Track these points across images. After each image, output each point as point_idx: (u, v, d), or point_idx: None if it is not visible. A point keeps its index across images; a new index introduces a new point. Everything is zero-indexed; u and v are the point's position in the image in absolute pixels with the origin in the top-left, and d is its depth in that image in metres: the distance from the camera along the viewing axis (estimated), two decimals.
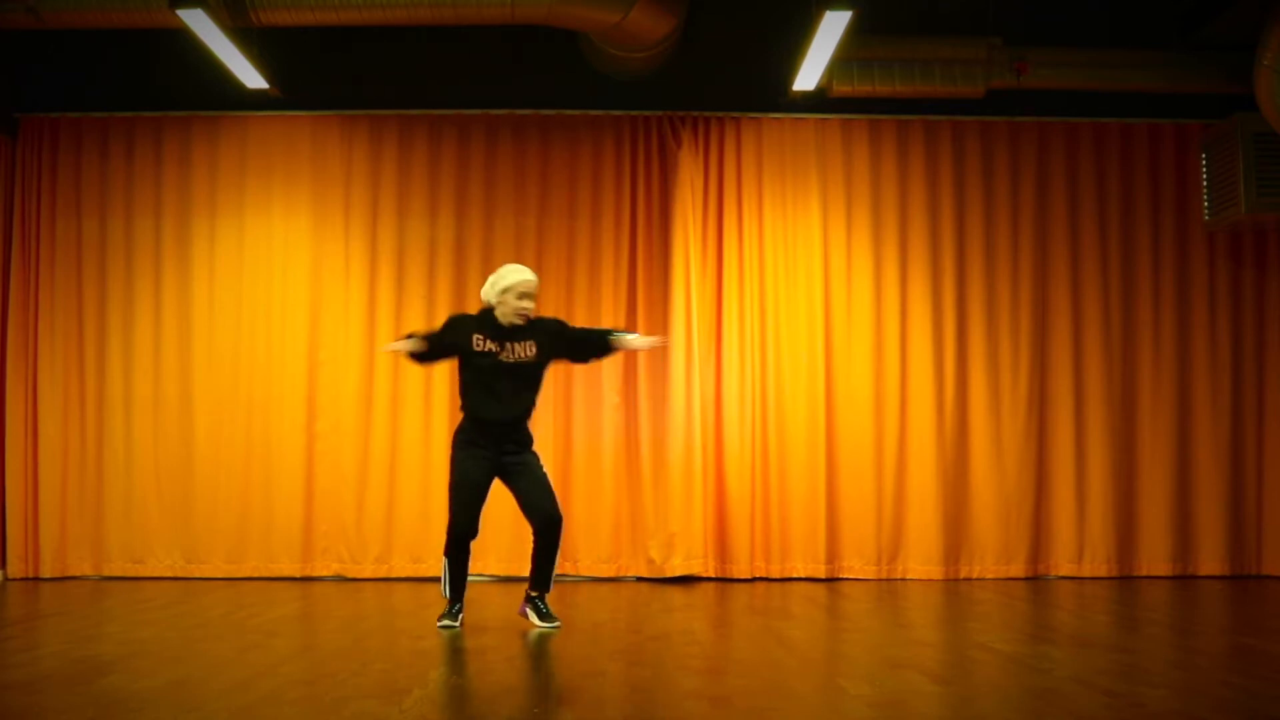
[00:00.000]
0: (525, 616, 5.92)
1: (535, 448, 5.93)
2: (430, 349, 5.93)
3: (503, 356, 5.78)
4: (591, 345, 6.07)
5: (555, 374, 8.10)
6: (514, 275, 5.84)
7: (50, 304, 8.13)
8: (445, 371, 8.06)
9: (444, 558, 5.91)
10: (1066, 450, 8.20)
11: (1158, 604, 6.99)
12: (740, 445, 8.06)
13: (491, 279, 5.88)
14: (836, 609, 6.76)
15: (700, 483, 7.99)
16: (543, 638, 5.62)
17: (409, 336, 6.01)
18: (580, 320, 8.11)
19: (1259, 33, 7.16)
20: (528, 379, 5.85)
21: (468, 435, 5.84)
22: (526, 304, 5.81)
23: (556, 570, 7.85)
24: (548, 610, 5.87)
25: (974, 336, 8.23)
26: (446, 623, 5.83)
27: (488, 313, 5.86)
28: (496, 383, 5.78)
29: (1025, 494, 8.16)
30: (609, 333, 6.09)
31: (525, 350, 5.82)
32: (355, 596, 7.22)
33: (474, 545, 8.16)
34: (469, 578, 5.97)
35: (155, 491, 8.03)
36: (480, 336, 5.80)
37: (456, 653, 5.25)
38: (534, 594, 5.89)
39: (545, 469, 5.90)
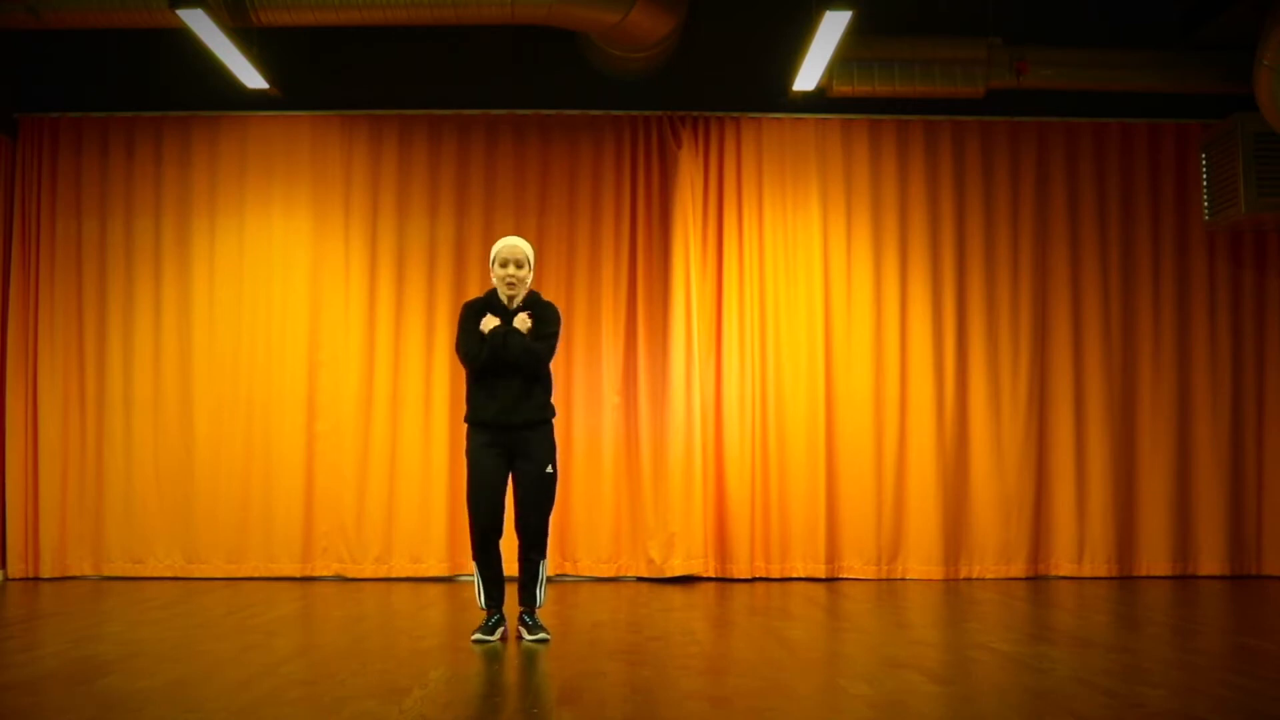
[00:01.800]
0: (519, 636, 5.50)
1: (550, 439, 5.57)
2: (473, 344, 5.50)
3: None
4: (539, 346, 5.54)
5: (555, 374, 8.12)
6: (497, 244, 5.57)
7: (50, 304, 8.13)
8: (444, 371, 8.08)
9: (473, 564, 5.53)
10: (1066, 450, 8.20)
11: (1158, 604, 6.99)
12: (740, 445, 8.06)
13: None
14: (836, 609, 6.76)
15: (700, 483, 7.99)
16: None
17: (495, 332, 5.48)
18: (580, 321, 8.12)
19: (1259, 33, 7.16)
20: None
21: (473, 435, 5.51)
22: (511, 270, 5.46)
23: (556, 571, 7.97)
24: (535, 623, 5.50)
25: (974, 336, 8.24)
26: (479, 637, 5.40)
27: (492, 293, 5.61)
28: (499, 380, 5.42)
29: (1025, 494, 8.16)
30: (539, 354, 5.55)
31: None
32: (355, 596, 7.22)
33: None
34: (505, 581, 5.57)
35: (155, 491, 8.03)
36: (492, 318, 5.49)
37: (456, 653, 5.24)
38: (521, 609, 5.53)
39: (554, 468, 5.53)
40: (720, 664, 5.09)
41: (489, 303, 5.58)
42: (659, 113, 8.28)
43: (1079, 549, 8.16)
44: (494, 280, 5.57)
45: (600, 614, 6.44)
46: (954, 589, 7.62)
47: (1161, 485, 8.21)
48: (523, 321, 5.48)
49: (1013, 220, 8.33)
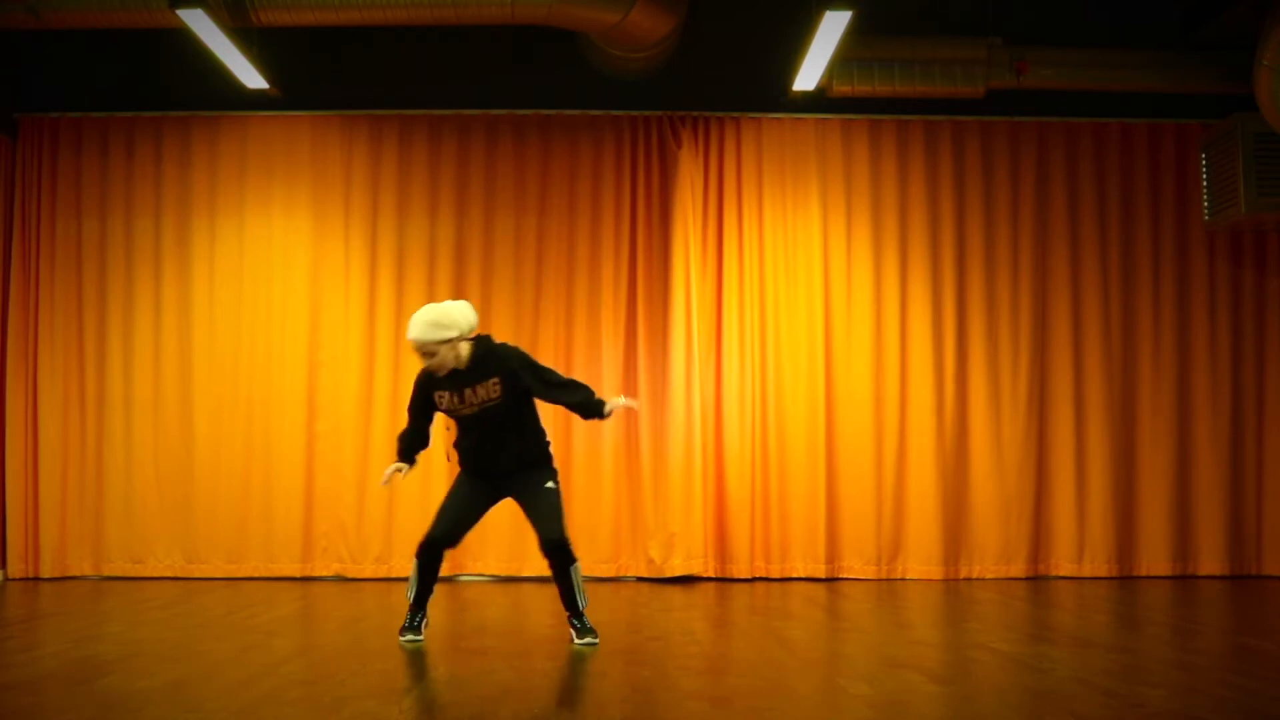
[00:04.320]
0: (571, 639, 5.43)
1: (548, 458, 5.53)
2: (413, 432, 5.51)
3: (463, 409, 5.31)
4: (568, 396, 5.43)
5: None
6: (408, 330, 5.31)
7: (50, 304, 8.13)
8: None
9: (414, 560, 5.49)
10: (1066, 450, 8.19)
11: (1158, 604, 6.99)
12: (740, 445, 8.06)
13: None
14: (836, 609, 6.76)
15: (700, 483, 7.99)
16: (543, 639, 5.62)
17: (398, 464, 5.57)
18: (580, 321, 8.12)
19: (1259, 33, 7.16)
20: (504, 421, 5.32)
21: (464, 465, 5.52)
22: (427, 361, 5.26)
23: None
24: (582, 626, 5.41)
25: (974, 336, 8.23)
26: (409, 638, 5.41)
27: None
28: (473, 433, 5.36)
29: (1025, 494, 8.15)
30: (593, 396, 5.43)
31: (489, 391, 5.27)
32: (355, 596, 7.23)
33: (474, 544, 8.18)
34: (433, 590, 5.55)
35: (155, 491, 8.03)
36: (438, 392, 5.34)
37: (456, 653, 5.25)
38: (568, 614, 5.46)
39: (555, 481, 5.46)
40: (720, 664, 5.10)
41: (435, 376, 5.34)
42: (659, 113, 8.28)
43: (1079, 549, 8.15)
44: None
45: (600, 614, 6.42)
46: (954, 589, 7.62)
47: (1161, 485, 8.20)
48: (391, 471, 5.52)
49: (1013, 220, 8.33)
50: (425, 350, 5.21)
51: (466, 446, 5.44)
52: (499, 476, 5.44)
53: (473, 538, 7.90)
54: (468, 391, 5.27)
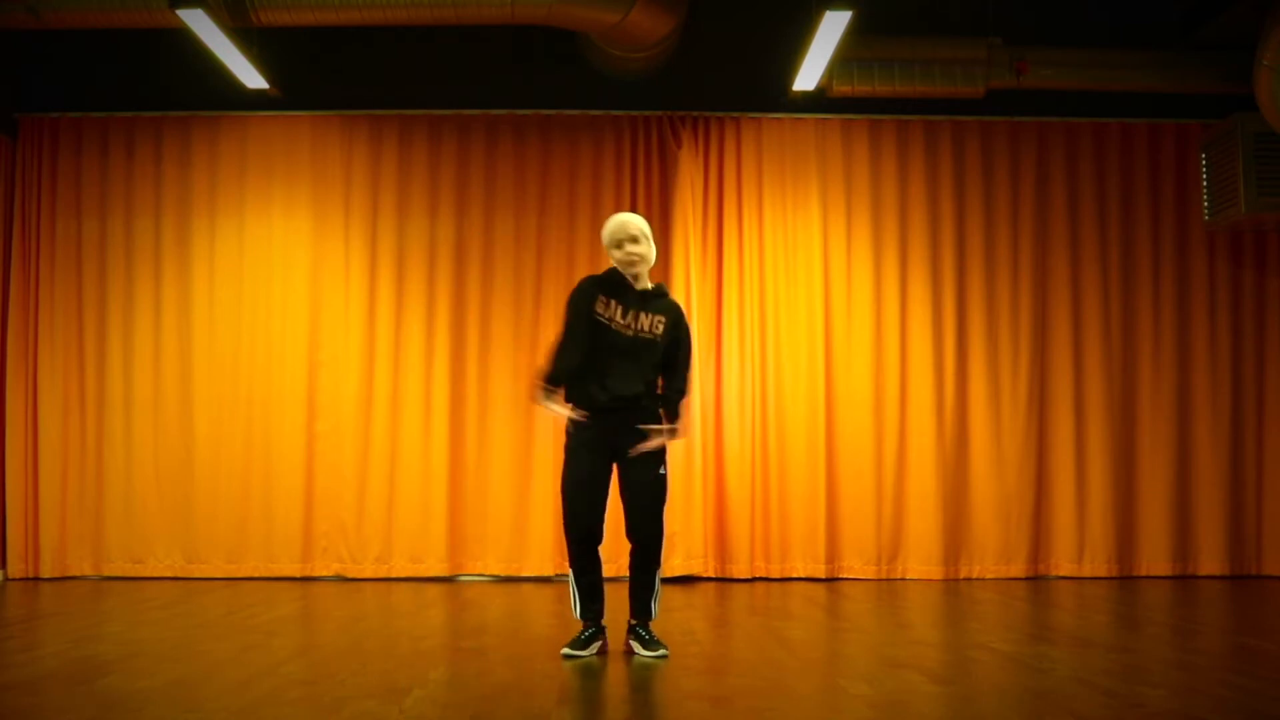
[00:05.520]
0: (629, 650, 5.13)
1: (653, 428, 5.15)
2: (576, 351, 5.01)
3: (623, 327, 4.97)
4: (680, 381, 5.17)
5: None
6: (607, 225, 5.02)
7: (50, 304, 8.13)
8: (444, 371, 8.08)
9: (569, 570, 5.23)
10: (1066, 450, 8.20)
11: (1158, 604, 6.99)
12: (740, 445, 8.05)
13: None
14: (836, 609, 6.76)
15: (700, 483, 7.99)
16: (543, 639, 5.62)
17: (546, 393, 5.08)
18: None
19: (1259, 33, 7.16)
20: (645, 364, 5.02)
21: (578, 425, 5.06)
22: (630, 249, 4.94)
23: (555, 571, 7.96)
24: (651, 637, 5.12)
25: (974, 336, 8.24)
26: (569, 651, 5.05)
27: (613, 270, 5.06)
28: (612, 361, 4.96)
29: (1025, 494, 8.15)
30: (680, 397, 5.17)
31: (654, 325, 5.03)
32: (355, 596, 7.22)
33: (476, 544, 8.18)
34: (604, 588, 5.29)
35: (155, 491, 8.03)
36: (604, 298, 4.98)
37: (456, 653, 5.25)
38: (633, 622, 5.19)
39: (666, 466, 5.21)
40: (720, 664, 5.09)
41: (610, 282, 5.03)
42: (659, 113, 8.28)
43: (1079, 549, 8.16)
44: (614, 263, 5.06)
45: None
46: (954, 589, 7.62)
47: (1161, 485, 8.20)
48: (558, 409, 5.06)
49: (1013, 220, 8.33)
50: (634, 235, 4.96)
51: (589, 376, 4.98)
52: (614, 423, 5.03)
53: (472, 537, 8.01)
54: (637, 313, 5.00)
